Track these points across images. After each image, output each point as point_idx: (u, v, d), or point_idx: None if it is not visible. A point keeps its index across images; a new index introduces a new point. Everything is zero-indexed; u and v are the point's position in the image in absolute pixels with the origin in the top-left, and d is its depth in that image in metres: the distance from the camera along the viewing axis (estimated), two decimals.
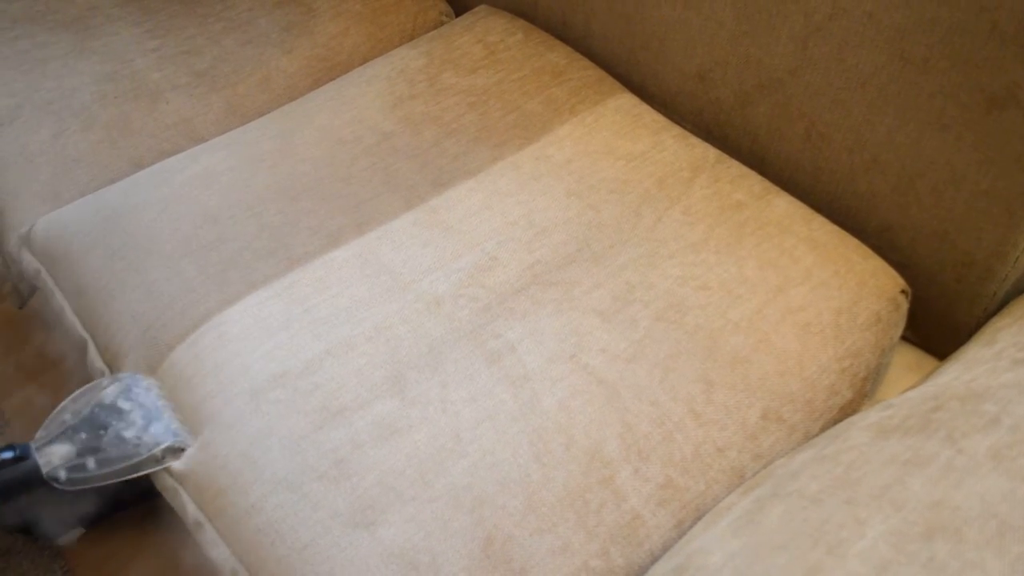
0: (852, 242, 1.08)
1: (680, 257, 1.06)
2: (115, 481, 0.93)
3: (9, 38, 1.48)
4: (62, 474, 0.91)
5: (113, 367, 1.08)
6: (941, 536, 0.61)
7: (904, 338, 1.11)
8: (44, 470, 0.91)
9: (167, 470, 0.96)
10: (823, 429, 0.95)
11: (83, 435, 0.94)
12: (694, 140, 1.22)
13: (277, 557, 0.86)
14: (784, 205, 1.11)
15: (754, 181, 1.15)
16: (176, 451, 0.96)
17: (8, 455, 0.88)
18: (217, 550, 0.91)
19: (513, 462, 0.89)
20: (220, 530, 0.92)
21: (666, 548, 0.85)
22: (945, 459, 0.67)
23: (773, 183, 1.16)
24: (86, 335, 1.14)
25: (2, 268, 1.39)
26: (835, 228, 1.10)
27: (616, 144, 1.20)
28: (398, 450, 0.91)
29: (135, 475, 0.94)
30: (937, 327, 1.11)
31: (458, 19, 1.49)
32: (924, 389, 0.82)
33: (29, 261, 1.25)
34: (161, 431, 0.95)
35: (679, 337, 0.98)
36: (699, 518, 0.85)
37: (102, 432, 0.94)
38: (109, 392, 0.98)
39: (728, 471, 0.90)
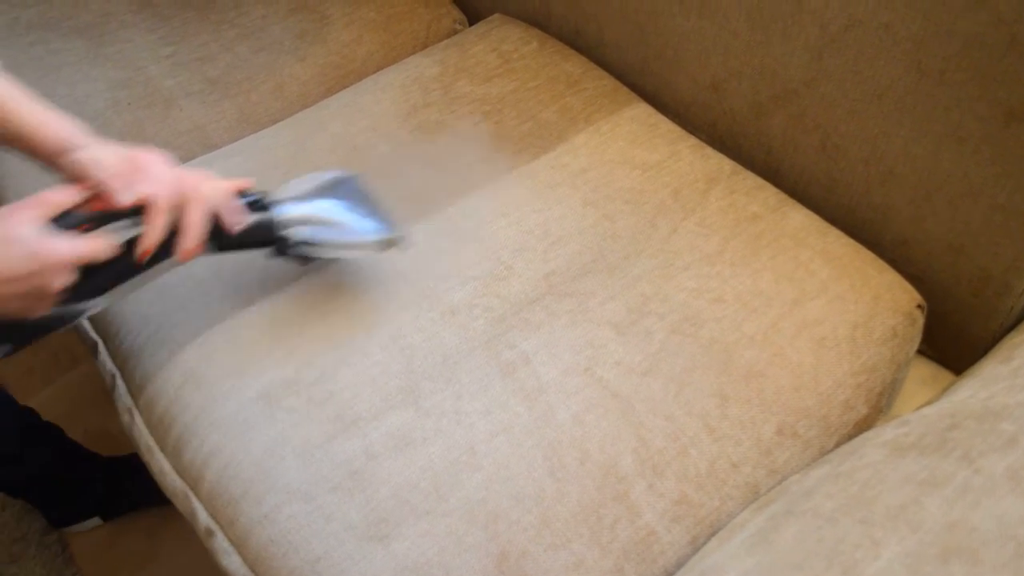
0: (868, 255, 1.08)
1: (695, 269, 1.06)
2: (330, 256, 1.05)
3: (23, 44, 1.48)
4: (293, 239, 0.99)
5: (124, 369, 1.08)
6: (957, 558, 0.60)
7: (920, 352, 1.11)
8: (280, 230, 0.98)
9: None
10: (838, 444, 0.95)
11: (316, 209, 1.02)
12: (709, 151, 1.21)
13: (289, 569, 0.86)
14: (800, 218, 1.11)
15: (769, 193, 1.14)
16: (390, 243, 1.03)
17: (252, 199, 0.96)
18: (229, 559, 0.92)
19: (527, 476, 0.89)
20: (232, 539, 0.92)
21: (680, 565, 0.85)
22: (962, 479, 0.67)
23: (788, 194, 1.16)
24: (97, 337, 1.14)
25: None
26: (851, 241, 1.09)
27: (632, 154, 1.20)
28: (412, 462, 0.90)
29: (351, 253, 1.06)
30: (953, 341, 1.10)
31: (472, 28, 1.49)
32: (940, 406, 0.81)
33: None
34: (379, 224, 1.03)
35: (694, 350, 0.98)
36: (713, 534, 0.85)
37: (331, 211, 1.02)
38: (336, 181, 1.07)
39: (743, 487, 0.90)
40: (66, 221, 0.83)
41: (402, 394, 0.96)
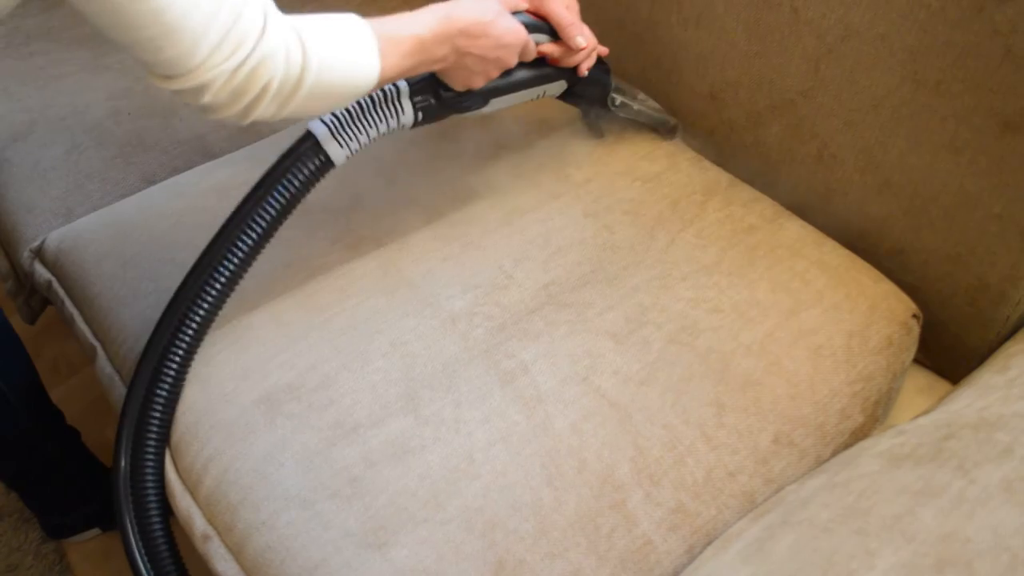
0: (863, 265, 1.08)
1: (693, 279, 1.06)
2: (640, 119, 1.26)
3: (24, 54, 1.49)
4: (618, 99, 1.21)
5: (123, 372, 1.08)
6: (952, 569, 0.61)
7: (916, 361, 1.11)
8: (612, 91, 1.20)
9: None
10: (834, 453, 0.95)
11: (626, 91, 1.23)
12: (707, 163, 1.22)
13: None
14: (796, 228, 1.12)
15: (766, 205, 1.15)
16: (675, 127, 1.29)
17: (600, 64, 1.14)
18: (225, 565, 0.91)
19: (525, 485, 0.89)
20: (229, 545, 0.92)
21: (676, 574, 0.85)
22: (957, 490, 0.67)
23: (784, 204, 1.17)
24: (96, 343, 1.14)
25: (13, 285, 1.40)
26: (846, 251, 1.10)
27: (634, 164, 1.20)
28: (411, 470, 0.91)
29: (653, 123, 1.28)
30: (949, 351, 1.11)
31: None
32: (936, 416, 0.81)
33: (41, 273, 1.26)
34: (664, 112, 1.28)
35: (691, 360, 0.99)
36: (709, 543, 0.85)
37: (634, 93, 1.24)
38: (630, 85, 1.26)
39: (739, 496, 0.90)
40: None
41: (401, 401, 0.97)
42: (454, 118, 1.07)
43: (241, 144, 1.38)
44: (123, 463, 0.97)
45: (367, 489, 0.90)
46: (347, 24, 0.85)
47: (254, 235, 0.97)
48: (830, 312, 1.03)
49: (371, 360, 1.00)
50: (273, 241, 1.09)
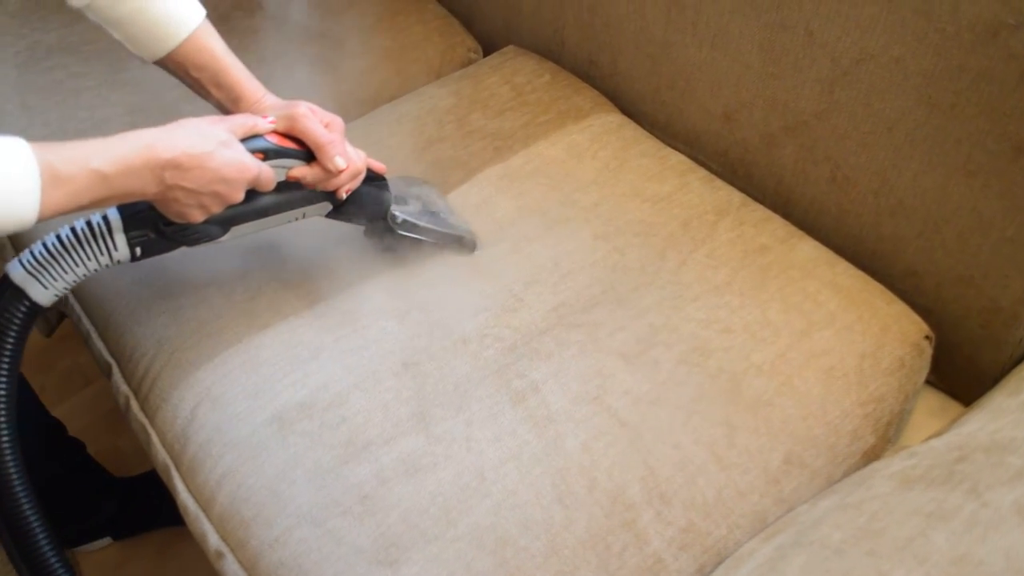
0: (876, 287, 1.08)
1: (704, 300, 1.06)
2: (425, 239, 1.12)
3: (44, 68, 1.50)
4: (400, 217, 1.07)
5: (138, 391, 1.09)
6: None
7: (928, 383, 1.11)
8: (391, 207, 1.07)
9: None
10: (846, 474, 0.95)
11: (420, 202, 1.14)
12: (719, 183, 1.22)
13: None
14: (808, 249, 1.12)
15: (778, 225, 1.15)
16: (473, 244, 1.16)
17: (374, 181, 1.05)
18: None
19: (536, 503, 0.89)
20: (242, 562, 0.92)
21: None
22: (969, 512, 0.67)
23: (797, 225, 1.17)
24: (111, 360, 1.15)
25: None
26: (859, 272, 1.10)
27: (643, 186, 1.20)
28: (422, 488, 0.91)
29: (440, 242, 1.13)
30: (962, 373, 1.10)
31: (486, 59, 1.50)
32: (948, 438, 0.81)
33: None
34: (464, 224, 1.17)
35: (702, 380, 0.99)
36: (720, 563, 0.85)
37: (430, 206, 1.14)
38: (431, 189, 1.20)
39: (750, 516, 0.90)
40: (249, 144, 0.91)
41: (413, 420, 0.97)
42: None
43: None
44: None
45: (379, 506, 0.90)
46: (6, 152, 0.74)
47: None
48: (842, 333, 1.03)
49: (383, 379, 1.01)
50: (283, 259, 1.10)
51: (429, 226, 1.11)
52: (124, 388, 1.12)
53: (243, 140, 0.90)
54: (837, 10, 1.01)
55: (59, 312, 1.41)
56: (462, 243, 1.15)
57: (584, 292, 1.09)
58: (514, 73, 1.42)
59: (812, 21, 1.04)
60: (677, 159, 1.26)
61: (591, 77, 1.43)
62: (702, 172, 1.24)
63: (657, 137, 1.32)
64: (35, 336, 1.71)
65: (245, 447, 0.97)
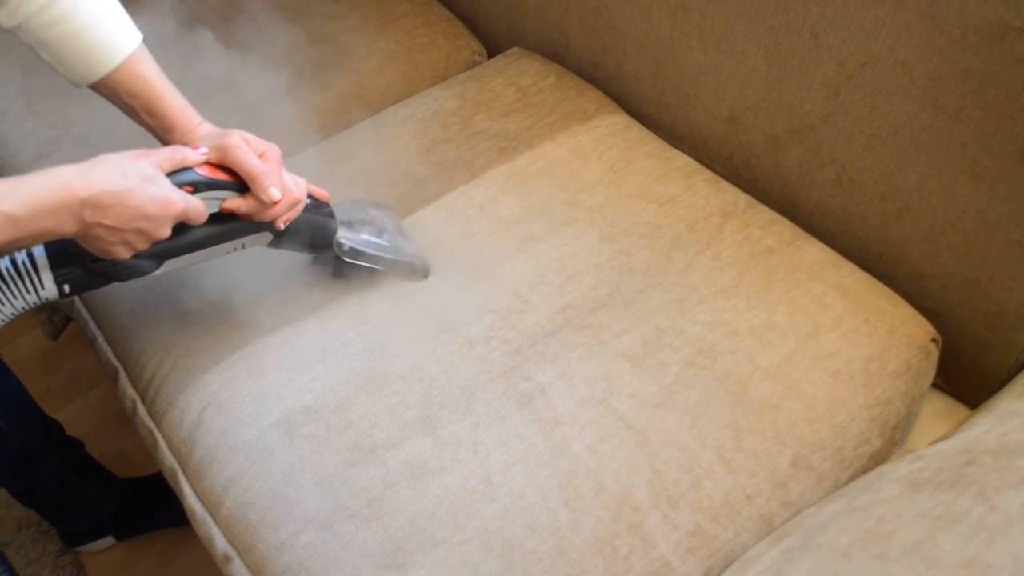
0: (882, 289, 1.08)
1: (710, 302, 1.06)
2: (373, 266, 1.10)
3: (49, 71, 1.50)
4: (346, 245, 1.06)
5: (145, 396, 1.09)
6: None
7: (935, 386, 1.11)
8: (338, 236, 1.06)
9: None
10: (852, 477, 0.95)
11: (371, 227, 1.12)
12: (725, 185, 1.22)
13: None
14: (814, 252, 1.12)
15: (784, 227, 1.15)
16: (425, 271, 1.14)
17: (317, 208, 1.03)
18: None
19: (543, 506, 0.89)
20: (249, 565, 0.92)
21: None
22: (977, 516, 0.67)
23: (803, 228, 1.17)
24: (117, 364, 1.15)
25: None
26: (865, 275, 1.10)
27: (648, 188, 1.20)
28: (429, 491, 0.91)
29: (393, 269, 1.12)
30: (968, 376, 1.10)
31: (491, 61, 1.50)
32: (956, 442, 0.81)
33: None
34: (415, 250, 1.15)
35: (708, 383, 0.99)
36: (727, 566, 0.85)
37: (381, 232, 1.12)
38: (384, 213, 1.18)
39: (757, 519, 0.90)
40: (177, 178, 0.89)
41: (419, 423, 0.97)
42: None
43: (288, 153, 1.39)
44: None
45: (385, 510, 0.90)
46: None
47: None
48: (849, 336, 1.02)
49: (389, 383, 1.01)
50: (288, 265, 1.10)
51: (378, 253, 1.09)
52: (131, 392, 1.12)
53: (172, 173, 0.88)
54: (843, 13, 1.00)
55: (65, 316, 1.41)
56: (413, 269, 1.13)
57: (590, 294, 1.09)
58: (519, 75, 1.42)
59: (817, 24, 1.04)
60: (683, 160, 1.26)
61: (596, 80, 1.43)
62: (708, 174, 1.24)
63: (662, 139, 1.32)
64: (41, 339, 1.72)
65: (252, 451, 0.97)
